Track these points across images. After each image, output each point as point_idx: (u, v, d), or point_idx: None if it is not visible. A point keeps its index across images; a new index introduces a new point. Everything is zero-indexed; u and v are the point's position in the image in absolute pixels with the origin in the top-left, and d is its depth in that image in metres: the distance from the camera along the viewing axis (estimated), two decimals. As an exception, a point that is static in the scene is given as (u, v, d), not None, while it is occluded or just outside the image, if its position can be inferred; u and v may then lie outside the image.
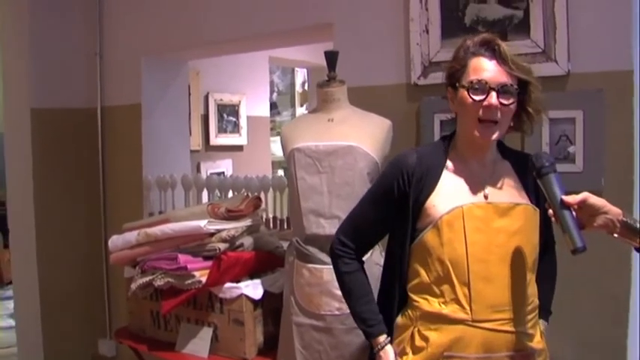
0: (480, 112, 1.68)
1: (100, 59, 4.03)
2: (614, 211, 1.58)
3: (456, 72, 1.76)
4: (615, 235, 1.60)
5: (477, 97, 1.68)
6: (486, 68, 1.69)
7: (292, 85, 8.03)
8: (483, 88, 1.67)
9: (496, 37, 1.72)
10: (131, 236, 2.84)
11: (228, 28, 3.39)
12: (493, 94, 1.66)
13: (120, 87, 3.98)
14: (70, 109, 4.01)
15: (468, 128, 1.74)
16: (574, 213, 1.57)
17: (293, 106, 7.97)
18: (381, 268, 2.31)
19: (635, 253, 2.19)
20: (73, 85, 4.02)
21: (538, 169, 1.63)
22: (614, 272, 2.23)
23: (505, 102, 1.67)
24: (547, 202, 1.61)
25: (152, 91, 3.91)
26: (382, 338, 1.81)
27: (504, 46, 1.70)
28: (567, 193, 1.59)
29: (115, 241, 2.92)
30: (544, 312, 1.84)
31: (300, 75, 7.88)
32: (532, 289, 1.75)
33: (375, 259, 2.26)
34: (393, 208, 1.81)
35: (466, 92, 1.70)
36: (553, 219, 1.59)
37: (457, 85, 1.74)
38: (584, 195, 1.58)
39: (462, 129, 1.80)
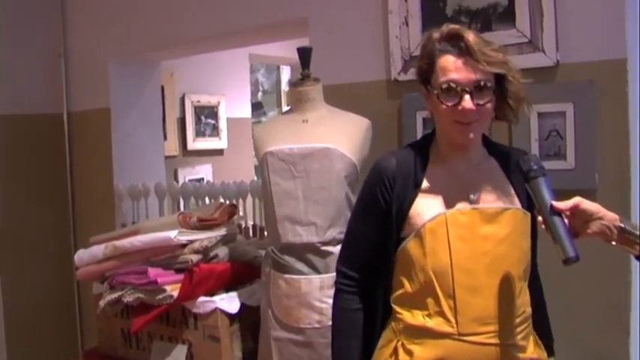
0: (454, 116, 1.64)
1: (65, 61, 4.02)
2: (610, 216, 1.54)
3: (424, 72, 1.72)
4: (613, 242, 1.55)
5: (449, 102, 1.64)
6: (455, 67, 1.63)
7: (278, 83, 8.00)
8: (454, 90, 1.62)
9: (462, 29, 1.67)
10: (98, 250, 2.82)
11: (200, 25, 3.38)
12: (466, 96, 1.61)
13: (87, 90, 3.96)
14: (33, 115, 3.99)
15: (445, 130, 1.72)
16: (566, 220, 1.52)
17: (280, 105, 7.94)
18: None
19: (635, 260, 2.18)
20: (37, 90, 4.00)
21: (526, 173, 1.59)
22: (614, 280, 2.22)
23: (481, 102, 1.63)
24: (536, 209, 1.57)
25: (122, 94, 3.89)
26: None
27: (472, 37, 1.64)
28: (558, 197, 1.55)
29: (82, 255, 2.89)
30: (548, 349, 1.83)
31: (286, 72, 7.86)
32: (523, 299, 1.71)
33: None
34: (383, 222, 1.76)
35: (437, 97, 1.66)
36: (543, 226, 1.54)
37: (428, 87, 1.71)
38: (577, 200, 1.53)
39: (440, 130, 1.77)
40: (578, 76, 2.27)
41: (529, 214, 1.72)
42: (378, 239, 1.78)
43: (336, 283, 1.87)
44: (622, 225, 1.54)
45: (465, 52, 1.63)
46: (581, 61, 2.27)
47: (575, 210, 1.53)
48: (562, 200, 1.55)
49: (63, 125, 4.02)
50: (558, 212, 1.52)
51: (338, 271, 1.87)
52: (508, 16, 2.37)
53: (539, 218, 1.55)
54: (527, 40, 2.34)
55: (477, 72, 1.62)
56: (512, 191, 1.75)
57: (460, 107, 1.62)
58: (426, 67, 1.71)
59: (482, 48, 1.63)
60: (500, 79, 1.67)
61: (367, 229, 1.80)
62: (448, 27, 1.70)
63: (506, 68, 1.66)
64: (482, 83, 1.62)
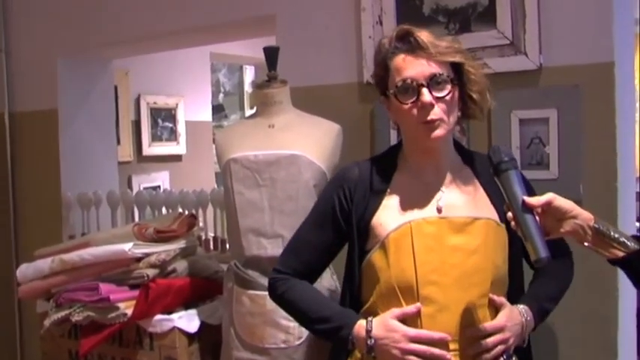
0: (416, 115, 1.66)
1: (7, 57, 3.96)
2: (585, 215, 1.55)
3: (381, 79, 1.76)
4: (585, 243, 1.56)
5: (408, 100, 1.66)
6: (408, 64, 1.67)
7: (241, 84, 7.99)
8: (410, 87, 1.66)
9: (411, 27, 1.71)
10: (44, 264, 2.78)
11: (158, 21, 3.35)
12: (424, 90, 1.64)
13: (32, 90, 3.91)
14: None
15: (411, 134, 1.74)
16: (537, 217, 1.52)
17: (242, 108, 7.93)
18: (333, 294, 2.30)
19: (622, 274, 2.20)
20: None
21: (496, 165, 1.58)
22: (601, 290, 2.24)
23: (440, 94, 1.65)
24: (505, 204, 1.56)
25: (71, 94, 3.85)
26: (363, 323, 1.70)
27: (423, 33, 1.68)
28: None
29: (25, 270, 2.85)
30: (531, 301, 1.76)
31: (250, 73, 7.85)
32: (494, 315, 1.72)
33: (325, 284, 2.25)
34: (336, 230, 1.80)
35: (395, 99, 1.69)
36: (512, 223, 1.53)
37: (387, 92, 1.73)
38: (550, 196, 1.53)
39: (407, 139, 1.80)
40: (562, 81, 2.28)
41: (503, 226, 1.72)
42: (327, 249, 1.84)
43: (269, 279, 1.88)
44: (597, 225, 1.55)
45: (415, 47, 1.67)
46: (566, 65, 2.29)
47: (547, 207, 1.53)
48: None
49: (4, 127, 3.96)
50: (530, 209, 1.52)
51: (272, 270, 1.90)
52: (488, 16, 2.39)
53: (509, 214, 1.54)
54: (508, 41, 2.36)
55: (432, 64, 1.66)
56: (488, 201, 1.76)
57: (419, 103, 1.64)
58: (381, 73, 1.75)
59: (434, 40, 1.68)
60: (458, 72, 1.70)
61: (317, 237, 1.84)
62: (396, 28, 1.75)
63: (461, 57, 1.70)
64: (437, 74, 1.65)
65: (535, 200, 1.52)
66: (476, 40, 2.38)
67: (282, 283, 1.85)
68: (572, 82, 2.26)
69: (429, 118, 1.65)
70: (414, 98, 1.65)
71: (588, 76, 2.25)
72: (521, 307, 1.73)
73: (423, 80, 1.64)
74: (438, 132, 1.67)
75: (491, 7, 2.39)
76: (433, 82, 1.65)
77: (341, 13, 2.72)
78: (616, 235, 1.55)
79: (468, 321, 1.65)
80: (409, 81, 1.65)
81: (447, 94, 1.66)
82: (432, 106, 1.64)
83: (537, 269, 1.77)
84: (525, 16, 2.33)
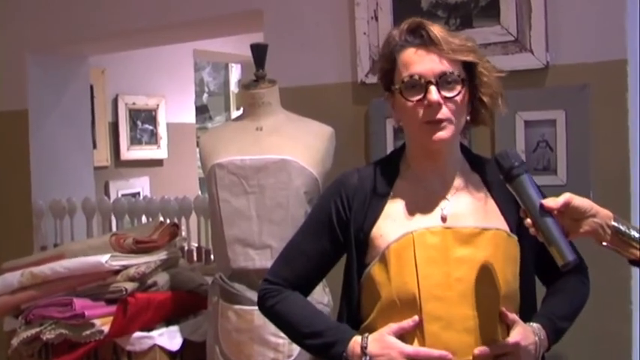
0: (421, 114, 1.65)
1: (-28, 54, 3.95)
2: (603, 213, 1.55)
3: (387, 73, 1.74)
4: (604, 243, 1.56)
5: (414, 97, 1.65)
6: (417, 59, 1.65)
7: (226, 83, 8.00)
8: (418, 84, 1.64)
9: (424, 21, 1.69)
10: (12, 278, 2.77)
11: (137, 15, 3.36)
12: (432, 88, 1.62)
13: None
14: None
15: (414, 136, 1.73)
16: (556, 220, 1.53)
17: (228, 109, 7.94)
18: (326, 308, 2.30)
19: (635, 280, 2.20)
20: None
21: (507, 172, 1.57)
22: (613, 303, 2.24)
23: (449, 94, 1.64)
24: (522, 210, 1.56)
25: (42, 93, 3.85)
26: (358, 339, 1.69)
27: (435, 27, 1.67)
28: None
29: (-9, 284, 2.84)
30: (544, 319, 1.74)
31: (236, 71, 7.86)
32: (504, 336, 1.72)
33: (317, 298, 2.24)
34: (333, 239, 1.78)
35: (400, 95, 1.67)
36: (532, 230, 1.53)
37: (392, 87, 1.72)
38: (567, 196, 1.53)
39: (410, 140, 1.78)
40: (570, 80, 2.30)
41: (515, 237, 1.71)
42: (322, 260, 1.81)
43: (259, 291, 1.86)
44: (616, 224, 1.55)
45: (427, 41, 1.66)
46: (575, 63, 2.30)
47: (566, 208, 1.52)
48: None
49: (-30, 129, 3.95)
50: (548, 212, 1.52)
51: (262, 280, 1.87)
52: (492, 11, 2.40)
53: (527, 221, 1.54)
54: (513, 38, 2.37)
55: (443, 62, 1.64)
56: (497, 210, 1.75)
57: (426, 101, 1.63)
58: (388, 67, 1.73)
59: (447, 36, 1.66)
60: (470, 73, 1.69)
61: (311, 247, 1.82)
62: (408, 21, 1.72)
63: (475, 57, 1.68)
64: (448, 73, 1.64)
65: (553, 202, 1.52)
66: (478, 36, 2.33)
67: (272, 295, 1.83)
68: (581, 81, 2.28)
69: (435, 117, 1.64)
70: (420, 96, 1.64)
71: (598, 74, 2.26)
72: (535, 325, 1.71)
73: (432, 77, 1.63)
74: (443, 133, 1.65)
75: (495, 2, 2.40)
76: (443, 80, 1.63)
77: (333, 8, 2.73)
78: (636, 235, 1.56)
79: (475, 339, 1.64)
80: (417, 77, 1.64)
81: (457, 95, 1.65)
82: (439, 105, 1.63)
83: (550, 286, 1.79)
84: (531, 10, 2.34)
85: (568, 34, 2.31)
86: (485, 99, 1.70)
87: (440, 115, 1.64)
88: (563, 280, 1.79)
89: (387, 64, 1.73)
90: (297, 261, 1.84)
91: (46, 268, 2.71)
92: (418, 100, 1.64)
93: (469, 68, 1.68)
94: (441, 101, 1.63)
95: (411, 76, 1.64)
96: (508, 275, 1.69)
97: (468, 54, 1.66)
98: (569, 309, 1.81)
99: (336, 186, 1.81)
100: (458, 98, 1.65)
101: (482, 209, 1.73)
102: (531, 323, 1.71)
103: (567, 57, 2.31)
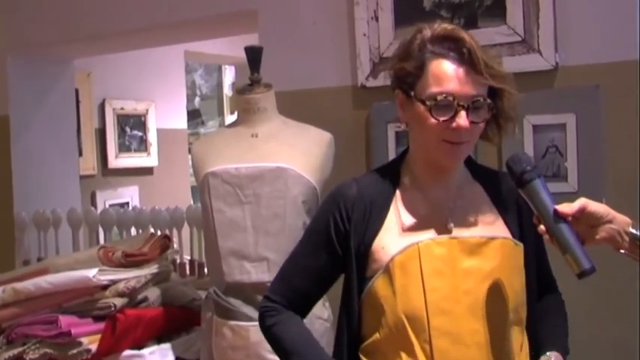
0: (444, 132, 1.65)
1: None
2: (621, 219, 1.56)
3: (408, 75, 1.71)
4: (622, 250, 1.57)
5: (442, 118, 1.64)
6: (454, 77, 1.64)
7: (219, 86, 7.99)
8: (450, 105, 1.63)
9: (460, 30, 1.68)
10: (-6, 294, 2.77)
11: (125, 15, 3.37)
12: (462, 113, 1.62)
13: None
14: None
15: (427, 149, 1.73)
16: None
17: (221, 113, 7.92)
18: (325, 323, 2.31)
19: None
20: None
21: (519, 177, 1.59)
22: (624, 313, 2.26)
23: (477, 120, 1.65)
24: (535, 216, 1.57)
25: (25, 98, 3.86)
26: None
27: (475, 43, 1.65)
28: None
29: (-29, 302, 2.84)
30: (557, 347, 1.77)
31: (230, 74, 7.85)
32: (514, 348, 1.74)
33: (316, 313, 2.24)
34: (332, 254, 1.79)
35: (426, 109, 1.66)
36: (546, 237, 1.55)
37: (412, 93, 1.70)
38: (582, 202, 1.54)
39: (418, 147, 1.78)
40: (581, 82, 2.31)
41: (521, 245, 1.74)
42: (322, 276, 1.83)
43: (260, 308, 1.88)
44: (634, 231, 1.56)
45: (466, 60, 1.64)
46: (585, 64, 2.32)
47: (581, 214, 1.54)
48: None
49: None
50: (563, 218, 1.53)
51: (263, 297, 1.89)
52: (497, 10, 2.42)
53: (541, 227, 1.56)
54: (520, 38, 2.39)
55: (477, 86, 1.64)
56: (500, 219, 1.77)
57: (454, 124, 1.63)
58: (412, 70, 1.70)
59: (486, 58, 1.64)
60: (493, 95, 1.69)
61: (310, 262, 1.83)
62: (441, 25, 1.70)
63: (507, 84, 1.68)
64: (481, 100, 1.64)
65: (568, 208, 1.53)
66: (483, 37, 2.34)
67: (270, 315, 1.85)
68: (592, 82, 2.29)
69: (458, 140, 1.65)
70: (448, 117, 1.63)
71: (610, 76, 2.28)
72: (553, 356, 1.74)
73: (465, 101, 1.62)
74: (462, 155, 1.70)
75: (501, 0, 2.42)
76: (474, 105, 1.63)
77: (331, 8, 2.75)
78: None
79: (486, 354, 1.66)
80: (450, 98, 1.62)
81: (483, 121, 1.66)
82: (466, 130, 1.63)
83: (541, 308, 1.81)
84: (539, 9, 2.36)
85: (578, 34, 2.32)
86: (502, 122, 1.72)
87: (465, 139, 1.65)
88: (552, 301, 1.85)
89: (411, 66, 1.70)
90: (296, 278, 1.86)
91: (29, 284, 2.71)
92: (444, 121, 1.63)
93: (493, 89, 1.67)
94: (469, 127, 1.63)
95: (445, 96, 1.62)
96: (516, 286, 1.72)
97: (502, 81, 1.66)
98: (566, 331, 1.84)
99: (334, 198, 1.82)
100: (482, 124, 1.67)
101: (486, 219, 1.76)
102: (550, 354, 1.73)
103: (577, 57, 2.32)
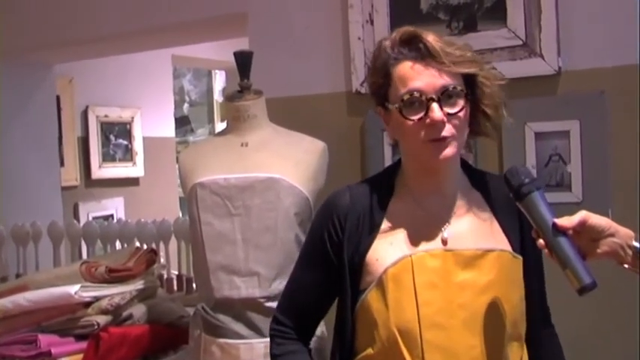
0: (423, 133, 1.68)
1: None
2: (624, 232, 1.57)
3: (380, 88, 1.76)
4: (625, 265, 1.59)
5: (414, 116, 1.67)
6: (415, 74, 1.68)
7: (209, 92, 7.98)
8: (418, 101, 1.67)
9: (418, 30, 1.72)
10: (-30, 313, 2.76)
11: (109, 19, 3.38)
12: (434, 105, 1.65)
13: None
14: None
15: (415, 154, 1.76)
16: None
17: (211, 120, 7.92)
18: (322, 340, 2.33)
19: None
20: None
21: (516, 190, 1.61)
22: (627, 328, 2.27)
23: (452, 110, 1.67)
24: (534, 230, 1.59)
25: (2, 106, 3.86)
26: None
27: (430, 36, 1.69)
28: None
29: (-55, 321, 2.84)
30: None
31: (220, 79, 7.85)
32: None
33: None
34: (329, 267, 1.81)
35: (398, 113, 1.70)
36: (545, 251, 1.57)
37: (387, 104, 1.75)
38: (583, 215, 1.55)
39: (408, 158, 1.81)
40: (585, 87, 2.33)
41: (520, 258, 1.76)
42: (322, 291, 1.85)
43: (270, 329, 1.92)
44: (638, 245, 1.56)
45: (425, 54, 1.68)
46: (589, 68, 2.34)
47: (582, 227, 1.55)
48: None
49: None
50: (563, 232, 1.54)
51: (273, 316, 1.93)
52: (497, 13, 2.44)
53: (540, 241, 1.57)
54: (521, 42, 2.41)
55: (443, 75, 1.67)
56: (500, 230, 1.79)
57: (429, 120, 1.66)
58: (381, 81, 1.75)
59: (445, 47, 1.68)
60: (470, 84, 1.72)
61: (309, 278, 1.86)
62: (400, 30, 1.75)
63: (476, 67, 1.71)
64: (450, 88, 1.67)
65: (567, 221, 1.55)
66: (483, 40, 2.42)
67: (277, 342, 1.89)
68: (597, 88, 2.31)
69: (439, 135, 1.67)
70: (421, 114, 1.66)
71: (615, 80, 2.29)
72: None
73: (433, 93, 1.66)
74: (448, 151, 1.69)
75: (501, 2, 2.44)
76: (445, 96, 1.66)
77: (325, 11, 2.77)
78: None
79: None
80: (417, 94, 1.66)
81: (460, 110, 1.68)
82: (442, 123, 1.66)
83: (541, 339, 1.84)
84: (541, 11, 2.38)
85: (582, 37, 2.34)
86: (488, 111, 1.74)
87: (445, 133, 1.66)
88: (550, 341, 1.88)
89: (380, 78, 1.75)
90: (298, 294, 1.90)
91: (7, 302, 2.70)
92: (419, 119, 1.67)
93: (469, 79, 1.71)
94: (445, 119, 1.65)
95: (411, 94, 1.67)
96: (514, 299, 1.74)
97: (470, 65, 1.69)
98: None
99: (327, 208, 1.84)
100: (461, 114, 1.68)
101: (484, 230, 1.77)
102: None
103: (581, 62, 2.34)
